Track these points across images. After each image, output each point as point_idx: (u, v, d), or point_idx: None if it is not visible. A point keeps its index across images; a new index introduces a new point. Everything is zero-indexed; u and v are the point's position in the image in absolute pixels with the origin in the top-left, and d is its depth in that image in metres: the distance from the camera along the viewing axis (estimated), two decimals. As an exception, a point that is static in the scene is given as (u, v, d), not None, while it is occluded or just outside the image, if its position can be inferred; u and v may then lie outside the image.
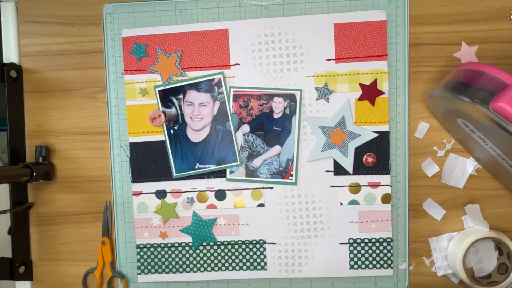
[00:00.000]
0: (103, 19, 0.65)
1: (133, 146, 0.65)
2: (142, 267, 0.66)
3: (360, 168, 0.63)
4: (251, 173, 0.64)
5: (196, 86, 0.64)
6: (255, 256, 0.65)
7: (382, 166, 0.63)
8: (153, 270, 0.66)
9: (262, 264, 0.65)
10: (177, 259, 0.66)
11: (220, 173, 0.64)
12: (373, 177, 0.63)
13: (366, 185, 0.63)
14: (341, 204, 0.63)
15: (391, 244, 0.63)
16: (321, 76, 0.62)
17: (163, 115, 0.64)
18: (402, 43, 0.62)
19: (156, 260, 0.66)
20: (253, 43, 0.63)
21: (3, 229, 0.70)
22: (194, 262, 0.65)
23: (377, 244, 0.63)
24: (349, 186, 0.63)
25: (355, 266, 0.64)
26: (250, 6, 0.63)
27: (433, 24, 0.62)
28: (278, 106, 0.63)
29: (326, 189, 0.63)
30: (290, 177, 0.63)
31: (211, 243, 0.65)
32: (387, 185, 0.63)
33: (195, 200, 0.65)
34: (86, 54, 0.66)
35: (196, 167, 0.64)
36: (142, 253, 0.66)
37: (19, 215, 0.67)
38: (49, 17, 0.66)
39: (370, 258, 0.64)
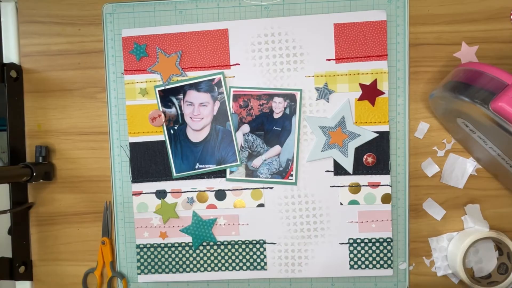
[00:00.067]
0: (103, 19, 0.65)
1: (133, 146, 0.65)
2: (142, 267, 0.66)
3: (360, 168, 0.63)
4: (251, 173, 0.64)
5: (196, 86, 0.64)
6: (255, 256, 0.65)
7: (382, 166, 0.63)
8: (153, 270, 0.66)
9: (262, 264, 0.65)
10: (177, 259, 0.66)
11: (220, 173, 0.64)
12: (373, 177, 0.63)
13: (366, 185, 0.63)
14: (341, 204, 0.63)
15: (391, 244, 0.63)
16: (321, 76, 0.62)
17: (163, 115, 0.64)
18: (402, 43, 0.62)
19: (156, 260, 0.66)
20: (253, 43, 0.63)
21: (3, 229, 0.70)
22: (194, 262, 0.65)
23: (377, 244, 0.63)
24: (349, 186, 0.63)
25: (355, 266, 0.64)
26: (250, 6, 0.63)
27: (433, 24, 0.62)
28: (278, 106, 0.63)
29: (326, 189, 0.63)
30: (290, 177, 0.63)
31: (211, 243, 0.65)
32: (387, 185, 0.63)
33: (195, 200, 0.65)
34: (86, 54, 0.66)
35: (196, 167, 0.64)
36: (142, 253, 0.66)
37: (19, 215, 0.67)
38: (49, 17, 0.66)
39: (370, 258, 0.64)
